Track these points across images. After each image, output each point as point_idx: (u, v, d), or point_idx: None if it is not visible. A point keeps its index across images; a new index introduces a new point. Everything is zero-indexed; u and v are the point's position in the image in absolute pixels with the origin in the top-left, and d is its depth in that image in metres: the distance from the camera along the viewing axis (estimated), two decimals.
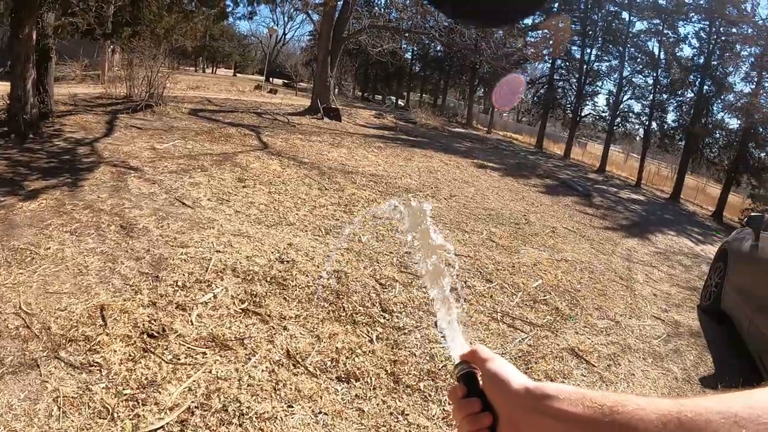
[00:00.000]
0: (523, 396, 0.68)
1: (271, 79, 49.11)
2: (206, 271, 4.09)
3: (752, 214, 6.30)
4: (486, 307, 4.68)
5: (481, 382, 0.76)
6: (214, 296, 3.71)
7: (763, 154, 24.52)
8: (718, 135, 27.65)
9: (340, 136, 14.72)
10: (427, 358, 3.52)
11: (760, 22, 23.18)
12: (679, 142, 29.55)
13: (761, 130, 23.27)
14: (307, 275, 4.35)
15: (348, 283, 4.39)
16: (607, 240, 9.96)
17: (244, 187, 7.10)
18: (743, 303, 5.40)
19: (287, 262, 4.54)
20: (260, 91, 28.33)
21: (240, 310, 3.60)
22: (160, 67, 13.05)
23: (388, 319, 3.91)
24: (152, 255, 4.24)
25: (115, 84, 13.44)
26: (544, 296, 5.46)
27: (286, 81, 48.81)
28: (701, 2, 27.67)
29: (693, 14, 28.29)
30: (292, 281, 4.19)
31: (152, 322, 3.26)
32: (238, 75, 55.29)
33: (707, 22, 27.31)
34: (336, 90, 23.05)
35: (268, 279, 4.15)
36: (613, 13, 32.29)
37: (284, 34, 59.01)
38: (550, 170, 20.83)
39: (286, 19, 56.20)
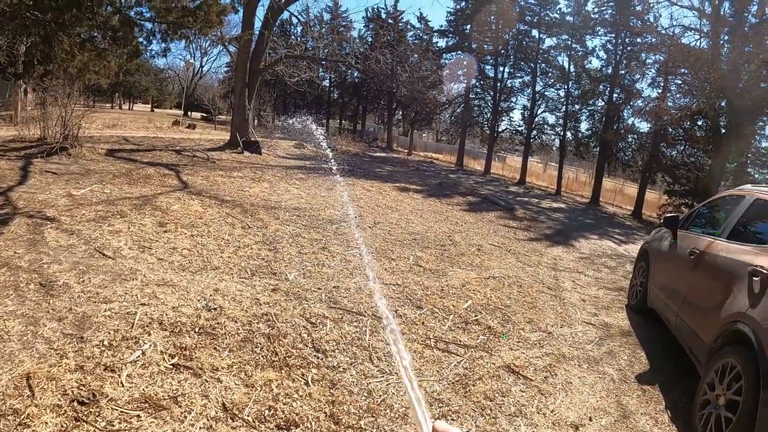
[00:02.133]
0: None
1: (189, 113, 48.52)
2: (132, 326, 3.97)
3: (667, 215, 6.76)
4: (419, 335, 4.76)
5: None
6: (143, 353, 3.61)
7: (674, 153, 26.25)
8: (630, 139, 29.41)
9: (261, 170, 14.64)
10: (365, 394, 3.55)
11: (663, 31, 24.81)
12: (594, 149, 31.24)
13: (671, 130, 24.86)
14: (236, 321, 4.29)
15: (278, 325, 4.36)
16: (533, 251, 10.28)
17: (165, 231, 6.94)
18: (668, 299, 5.78)
19: (214, 309, 4.46)
20: (179, 127, 28.03)
21: (171, 366, 3.52)
22: (75, 106, 12.65)
23: (322, 359, 3.92)
24: (75, 314, 4.10)
25: (28, 125, 12.95)
26: (476, 316, 5.59)
27: (204, 114, 48.44)
28: (607, 16, 29.84)
29: (599, 28, 30.37)
30: (221, 329, 4.12)
31: (81, 387, 3.14)
32: (155, 110, 54.27)
33: (613, 35, 29.37)
34: (255, 121, 22.89)
35: (197, 329, 4.06)
36: (523, 32, 33.92)
37: (201, 66, 58.36)
38: (471, 187, 21.33)
39: (201, 52, 55.73)
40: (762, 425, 3.16)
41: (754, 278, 3.82)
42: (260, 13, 20.70)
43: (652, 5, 26.07)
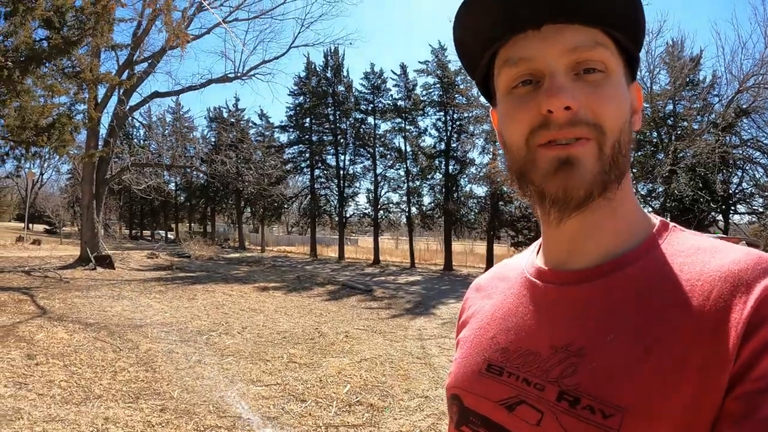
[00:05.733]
0: None
1: (31, 225, 45.69)
2: None
3: None
4: (309, 425, 5.13)
5: None
6: None
7: (512, 208, 29.14)
8: (471, 203, 31.98)
9: (118, 287, 14.26)
10: None
11: (487, 103, 28.03)
12: (439, 219, 33.37)
13: (505, 189, 27.61)
14: None
15: None
16: (397, 327, 10.94)
17: (36, 364, 6.79)
18: None
19: None
20: (23, 243, 26.56)
21: None
22: None
23: None
24: None
25: None
26: (357, 398, 6.05)
27: (47, 227, 45.78)
28: (435, 97, 32.83)
29: (429, 109, 33.46)
30: None
31: None
32: None
33: (442, 113, 32.40)
34: (102, 231, 22.26)
35: None
36: (359, 120, 35.94)
37: (41, 174, 55.21)
38: (329, 276, 21.81)
39: (48, 165, 53.20)
40: None
41: None
42: (105, 119, 20.38)
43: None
